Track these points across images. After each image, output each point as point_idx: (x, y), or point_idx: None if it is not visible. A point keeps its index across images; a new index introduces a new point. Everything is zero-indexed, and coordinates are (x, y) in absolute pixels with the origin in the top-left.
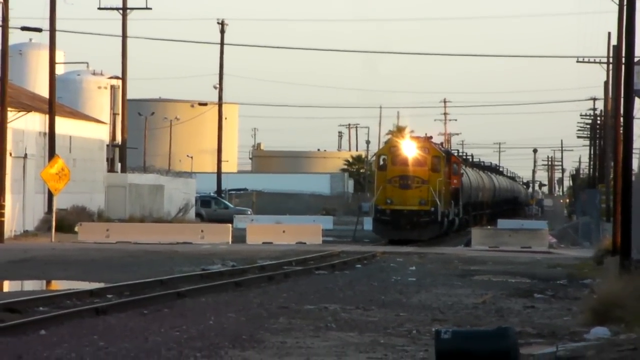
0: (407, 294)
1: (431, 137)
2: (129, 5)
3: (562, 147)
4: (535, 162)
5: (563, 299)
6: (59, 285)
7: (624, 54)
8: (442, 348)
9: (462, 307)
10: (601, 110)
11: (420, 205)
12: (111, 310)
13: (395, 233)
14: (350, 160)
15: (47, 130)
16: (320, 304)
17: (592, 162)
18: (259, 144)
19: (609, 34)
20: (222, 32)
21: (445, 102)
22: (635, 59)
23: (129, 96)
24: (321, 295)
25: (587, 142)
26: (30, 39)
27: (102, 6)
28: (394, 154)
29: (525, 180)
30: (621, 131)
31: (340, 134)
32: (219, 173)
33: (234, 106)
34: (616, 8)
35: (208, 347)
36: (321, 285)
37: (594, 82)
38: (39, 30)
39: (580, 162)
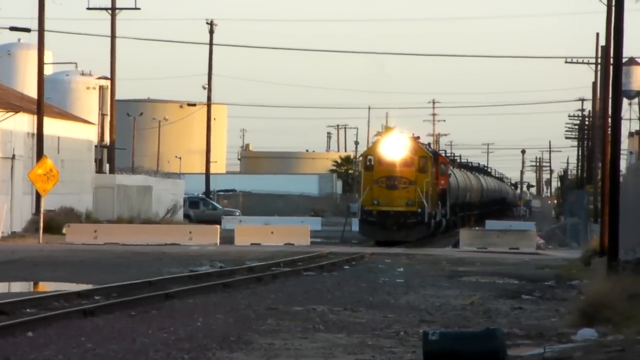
0: (395, 295)
1: (418, 137)
2: (117, 5)
3: (550, 148)
4: (523, 163)
5: (551, 300)
6: (47, 287)
7: (612, 55)
8: (430, 349)
9: (450, 308)
10: (589, 111)
11: (407, 206)
12: (99, 311)
13: (382, 234)
14: (339, 161)
15: (35, 131)
16: (309, 305)
17: (580, 163)
18: (247, 145)
19: (598, 34)
20: (211, 32)
21: (434, 102)
22: (624, 60)
23: (118, 97)
24: (309, 296)
25: (576, 143)
26: (19, 39)
27: (90, 6)
28: (380, 154)
29: (513, 181)
30: (609, 132)
31: (329, 135)
32: (207, 174)
33: (223, 107)
34: (604, 9)
35: (196, 349)
36: (309, 286)
37: (582, 82)
38: (27, 30)
39: (568, 163)
